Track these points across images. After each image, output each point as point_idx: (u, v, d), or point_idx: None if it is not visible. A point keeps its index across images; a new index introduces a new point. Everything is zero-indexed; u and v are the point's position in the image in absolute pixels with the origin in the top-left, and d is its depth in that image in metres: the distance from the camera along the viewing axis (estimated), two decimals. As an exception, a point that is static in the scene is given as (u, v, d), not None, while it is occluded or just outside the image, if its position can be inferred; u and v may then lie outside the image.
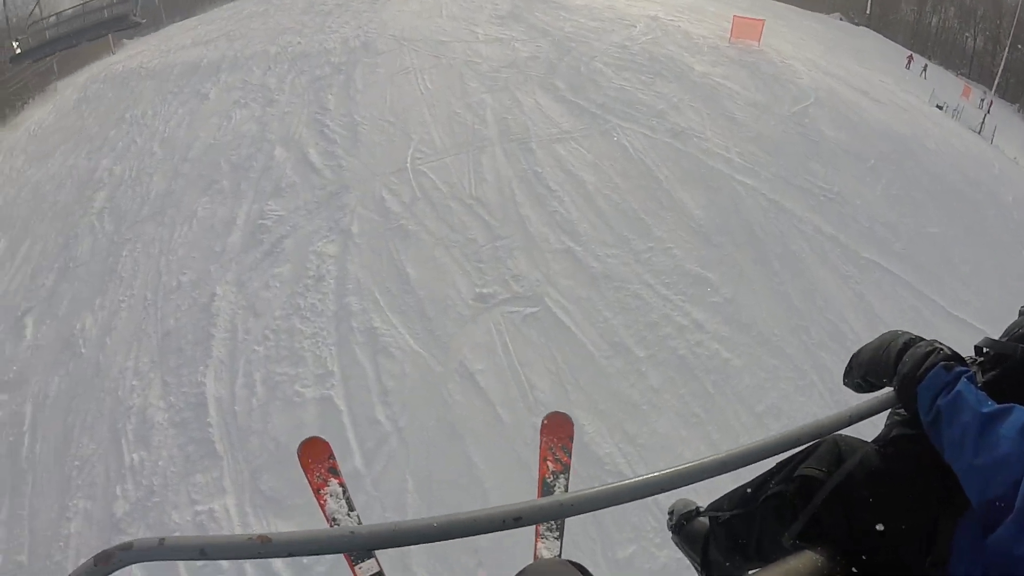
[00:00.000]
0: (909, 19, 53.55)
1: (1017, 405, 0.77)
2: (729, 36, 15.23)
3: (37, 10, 17.55)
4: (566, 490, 1.99)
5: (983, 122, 21.57)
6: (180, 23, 40.42)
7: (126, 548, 0.68)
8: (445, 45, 13.99)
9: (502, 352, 6.42)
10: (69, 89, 25.64)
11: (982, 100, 32.53)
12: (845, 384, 1.02)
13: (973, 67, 47.21)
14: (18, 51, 18.21)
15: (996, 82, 33.39)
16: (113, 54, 35.76)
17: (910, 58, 35.05)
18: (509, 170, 9.19)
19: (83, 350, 7.86)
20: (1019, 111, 38.98)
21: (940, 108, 21.07)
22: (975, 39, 49.81)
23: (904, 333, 0.94)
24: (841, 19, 51.65)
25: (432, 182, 9.01)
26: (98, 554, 0.67)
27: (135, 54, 26.70)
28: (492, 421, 5.78)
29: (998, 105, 33.08)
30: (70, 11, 18.89)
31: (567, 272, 7.41)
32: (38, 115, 22.94)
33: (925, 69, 34.39)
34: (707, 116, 10.73)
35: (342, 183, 9.07)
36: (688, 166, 9.39)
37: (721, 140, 10.05)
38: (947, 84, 34.51)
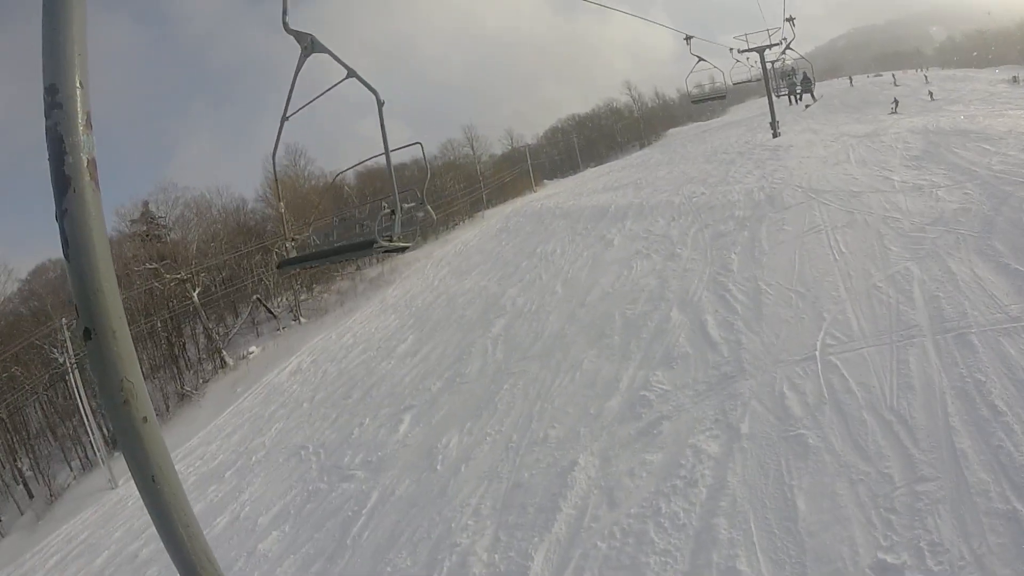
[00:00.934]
0: None
1: None
2: None
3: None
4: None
5: None
6: (594, 168, 48.60)
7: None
8: (858, 197, 12.15)
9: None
10: (495, 218, 31.90)
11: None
12: None
13: None
14: (286, 255, 22.78)
15: None
16: (534, 192, 44.90)
17: None
18: (943, 377, 6.32)
19: (439, 467, 8.25)
20: None
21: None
22: None
23: None
24: None
25: (844, 381, 6.83)
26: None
27: (552, 194, 32.71)
28: None
29: None
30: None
31: (1010, 554, 4.37)
32: (465, 236, 28.92)
33: None
34: None
35: (739, 365, 7.74)
36: None
37: None
38: None
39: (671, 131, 59.65)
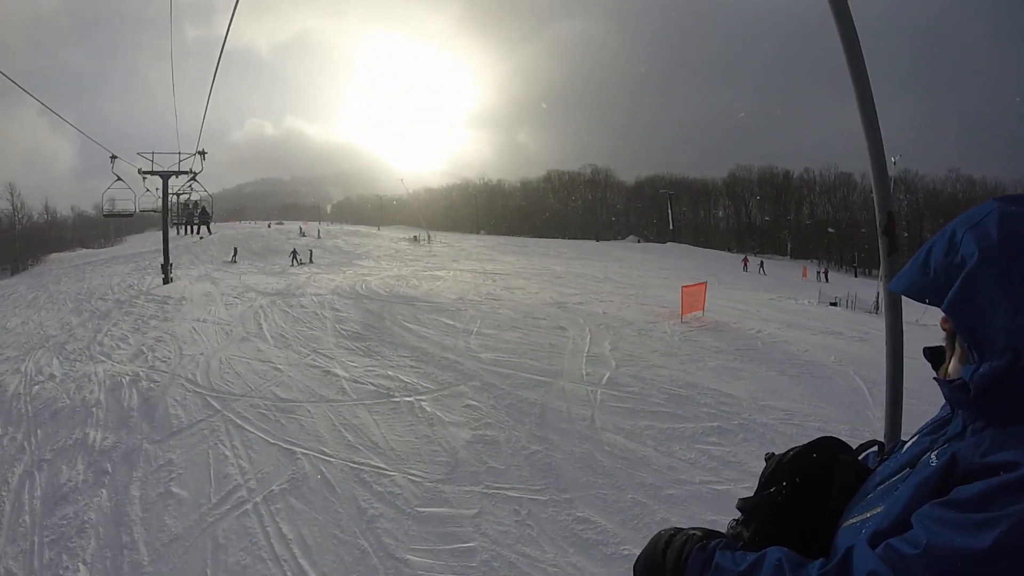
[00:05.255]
0: (690, 219, 62.56)
1: (771, 548, 0.87)
2: (680, 312, 12.93)
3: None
4: None
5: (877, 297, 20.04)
6: None
7: None
8: (290, 410, 9.62)
9: None
10: None
11: (818, 272, 36.55)
12: None
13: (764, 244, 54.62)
14: None
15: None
16: None
17: (745, 260, 38.52)
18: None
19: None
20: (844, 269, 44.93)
21: (835, 304, 20.90)
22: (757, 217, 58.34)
23: (665, 532, 1.01)
24: (638, 240, 57.66)
25: None
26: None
27: None
28: None
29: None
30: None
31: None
32: None
33: (762, 266, 36.63)
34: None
35: None
36: None
37: None
38: (782, 271, 37.45)
39: (54, 255, 49.27)
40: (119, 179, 18.65)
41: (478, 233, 57.92)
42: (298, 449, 7.24)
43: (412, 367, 9.95)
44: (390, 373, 9.65)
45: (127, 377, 10.24)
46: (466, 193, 69.03)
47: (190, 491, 6.54)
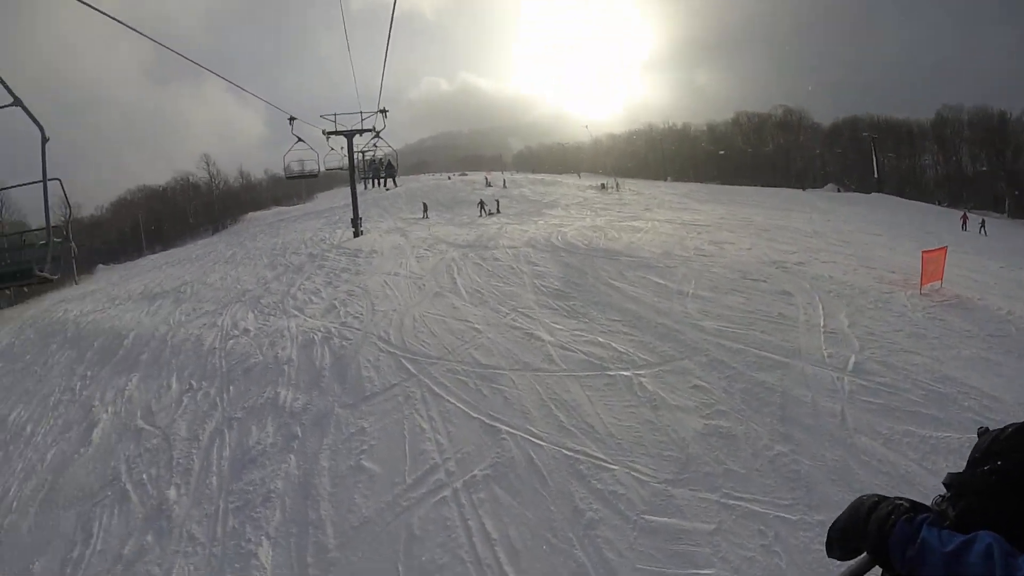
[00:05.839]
0: (893, 166, 53.71)
1: (982, 532, 0.81)
2: (920, 281, 10.34)
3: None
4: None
5: None
6: (156, 255, 36.52)
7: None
8: (493, 378, 8.59)
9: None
10: None
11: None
12: (830, 556, 1.01)
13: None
14: None
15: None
16: (77, 283, 32.34)
17: (964, 218, 31.23)
18: None
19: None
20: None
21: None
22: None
23: (868, 497, 0.98)
24: (838, 189, 51.43)
25: None
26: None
27: (89, 292, 19.22)
28: None
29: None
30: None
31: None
32: None
33: (983, 225, 29.53)
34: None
35: None
36: None
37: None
38: (1004, 232, 30.74)
39: (251, 215, 53.75)
40: (300, 140, 18.90)
41: (665, 180, 54.20)
42: (503, 426, 6.36)
43: (625, 334, 8.59)
44: (601, 339, 8.41)
45: (319, 333, 9.99)
46: (650, 138, 65.14)
47: (383, 467, 6.00)
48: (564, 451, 5.82)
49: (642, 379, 7.15)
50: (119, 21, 6.30)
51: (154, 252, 42.42)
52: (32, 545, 6.44)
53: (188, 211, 53.80)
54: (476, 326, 9.54)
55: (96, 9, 5.57)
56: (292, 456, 6.63)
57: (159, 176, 66.52)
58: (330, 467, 6.25)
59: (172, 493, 6.47)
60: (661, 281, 11.22)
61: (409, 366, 8.26)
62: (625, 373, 7.33)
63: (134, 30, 6.88)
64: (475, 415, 6.68)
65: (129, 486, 6.91)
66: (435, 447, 6.16)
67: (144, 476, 7.03)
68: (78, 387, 10.91)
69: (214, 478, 6.58)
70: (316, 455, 6.56)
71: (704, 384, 6.93)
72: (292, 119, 18.26)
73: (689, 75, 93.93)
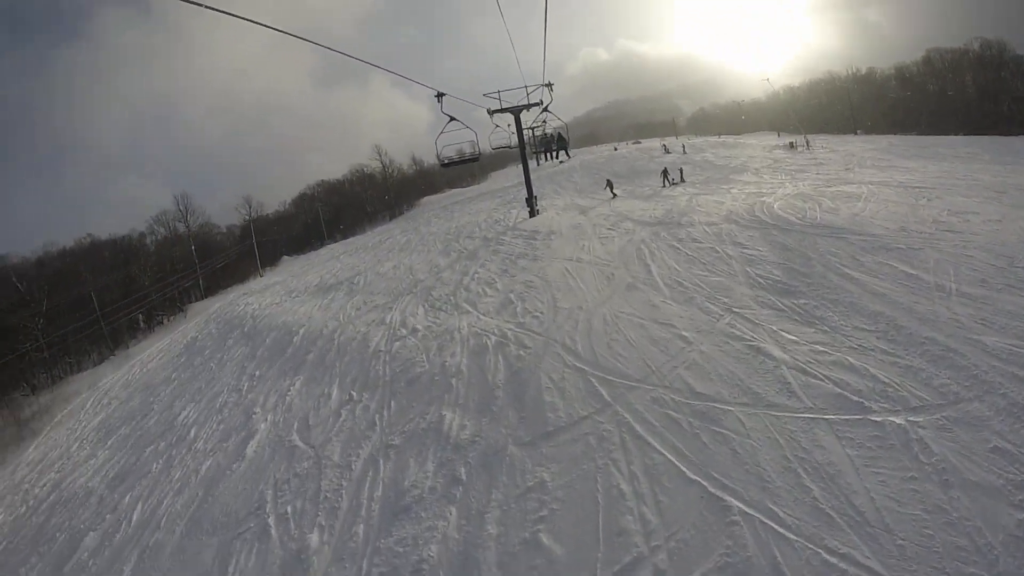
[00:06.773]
0: None
1: None
2: None
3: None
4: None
5: None
6: (335, 244, 38.84)
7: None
8: (719, 419, 6.48)
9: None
10: (198, 318, 24.20)
11: None
12: None
13: None
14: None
15: None
16: (261, 275, 36.01)
17: None
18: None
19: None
20: None
21: None
22: None
23: None
24: None
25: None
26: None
27: (271, 285, 21.93)
28: None
29: None
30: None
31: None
32: (157, 347, 22.25)
33: None
34: None
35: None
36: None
37: None
38: None
39: (425, 199, 54.51)
40: (452, 119, 16.58)
41: (855, 133, 46.01)
42: (734, 501, 4.40)
43: (883, 351, 5.96)
44: (852, 360, 5.86)
45: (493, 337, 8.44)
46: (832, 87, 56.36)
47: (566, 548, 4.41)
48: (823, 554, 3.82)
49: (921, 431, 4.71)
50: (297, 36, 5.41)
51: (335, 241, 44.98)
52: (169, 573, 6.16)
53: (364, 200, 56.26)
54: (683, 333, 7.19)
55: (275, 29, 4.63)
56: (453, 509, 5.22)
57: (336, 171, 72.95)
58: (498, 536, 4.77)
59: (314, 538, 5.63)
60: (908, 270, 7.93)
61: (602, 390, 6.24)
62: (896, 420, 4.89)
63: (310, 41, 6.04)
64: (694, 476, 4.74)
65: (272, 520, 6.17)
66: (639, 525, 4.42)
67: (288, 509, 6.21)
68: (245, 388, 10.80)
69: (361, 526, 5.55)
70: (482, 514, 5.04)
71: (1009, 447, 4.39)
72: (440, 95, 16.14)
73: (858, 13, 78.67)
